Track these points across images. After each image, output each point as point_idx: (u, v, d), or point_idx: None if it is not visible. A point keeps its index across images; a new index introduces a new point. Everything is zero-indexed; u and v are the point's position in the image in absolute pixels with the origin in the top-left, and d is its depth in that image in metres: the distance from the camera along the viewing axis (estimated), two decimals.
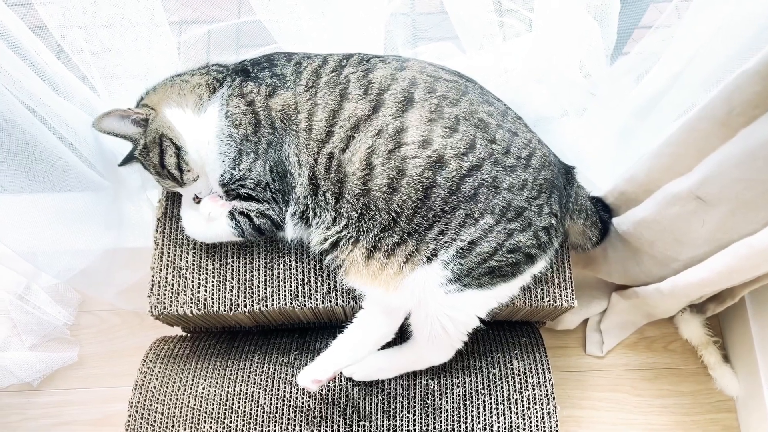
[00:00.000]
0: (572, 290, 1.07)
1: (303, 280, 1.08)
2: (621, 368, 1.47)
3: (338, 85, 0.96)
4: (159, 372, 1.15)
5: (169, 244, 1.11)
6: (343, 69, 0.98)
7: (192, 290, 1.08)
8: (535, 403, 1.08)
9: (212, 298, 1.07)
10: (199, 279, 1.09)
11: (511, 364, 1.12)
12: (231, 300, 1.07)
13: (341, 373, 1.10)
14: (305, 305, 1.06)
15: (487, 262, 0.92)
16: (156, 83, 1.05)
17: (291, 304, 1.06)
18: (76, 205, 1.15)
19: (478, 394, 1.09)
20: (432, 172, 0.91)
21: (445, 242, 0.92)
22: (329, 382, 1.10)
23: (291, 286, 1.07)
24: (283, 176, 0.99)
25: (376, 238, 0.95)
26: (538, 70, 1.06)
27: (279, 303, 1.07)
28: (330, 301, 1.06)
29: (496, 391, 1.09)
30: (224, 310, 1.07)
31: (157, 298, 1.08)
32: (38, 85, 0.98)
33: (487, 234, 0.92)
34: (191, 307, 1.07)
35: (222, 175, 1.01)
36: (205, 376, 1.14)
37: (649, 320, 1.43)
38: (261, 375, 1.13)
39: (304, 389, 1.08)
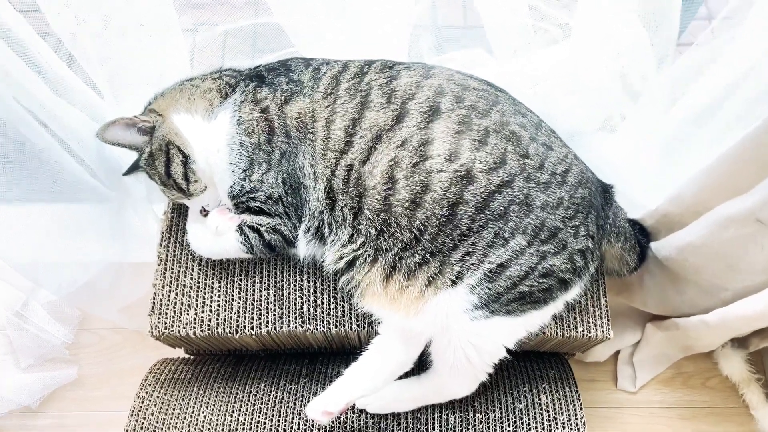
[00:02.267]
0: (608, 320, 1.03)
1: (315, 301, 1.04)
2: (656, 405, 1.41)
3: (359, 93, 0.93)
4: (158, 397, 1.10)
5: (173, 260, 1.08)
6: (364, 76, 0.95)
7: (196, 310, 1.04)
8: None
9: (217, 319, 1.04)
10: (204, 298, 1.05)
11: (539, 399, 1.07)
12: (237, 321, 1.03)
13: (354, 404, 1.04)
14: (317, 329, 1.02)
15: (517, 287, 0.87)
16: (165, 88, 1.03)
17: (301, 327, 1.02)
18: (79, 216, 1.13)
19: (502, 431, 1.03)
20: (459, 187, 0.86)
21: (472, 264, 0.87)
22: (341, 414, 1.04)
23: (302, 308, 1.03)
24: (296, 189, 0.96)
25: (396, 258, 0.90)
26: (575, 79, 1.01)
27: (289, 326, 1.02)
28: (344, 326, 1.02)
29: (523, 428, 1.04)
30: (230, 332, 1.03)
31: (159, 318, 1.04)
32: (40, 88, 0.95)
33: (518, 256, 0.87)
34: (194, 328, 1.03)
35: (231, 187, 0.98)
36: (207, 403, 1.09)
37: (686, 354, 1.37)
38: (267, 403, 1.08)
39: (313, 421, 1.03)
